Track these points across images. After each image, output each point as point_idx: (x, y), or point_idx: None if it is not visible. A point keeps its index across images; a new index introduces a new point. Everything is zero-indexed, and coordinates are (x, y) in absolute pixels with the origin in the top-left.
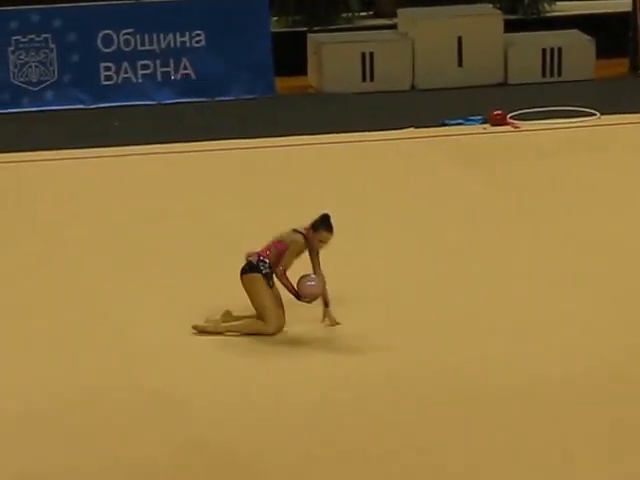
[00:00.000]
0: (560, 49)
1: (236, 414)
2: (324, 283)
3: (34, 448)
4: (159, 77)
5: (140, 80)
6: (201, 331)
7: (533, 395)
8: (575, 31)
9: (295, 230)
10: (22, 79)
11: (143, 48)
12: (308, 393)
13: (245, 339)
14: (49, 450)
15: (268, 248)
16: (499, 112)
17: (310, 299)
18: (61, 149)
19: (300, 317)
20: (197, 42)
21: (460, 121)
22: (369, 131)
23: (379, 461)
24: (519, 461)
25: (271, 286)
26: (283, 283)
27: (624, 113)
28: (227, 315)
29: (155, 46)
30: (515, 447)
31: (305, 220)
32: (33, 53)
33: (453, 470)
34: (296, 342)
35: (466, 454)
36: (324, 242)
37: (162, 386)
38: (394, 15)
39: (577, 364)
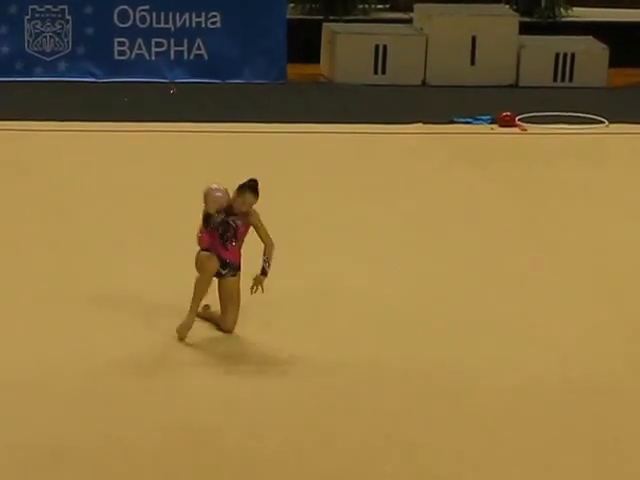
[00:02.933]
0: (573, 55)
1: (227, 399)
2: (270, 246)
3: (24, 420)
4: (172, 56)
5: (153, 57)
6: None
7: (526, 396)
8: (590, 38)
9: None
10: (36, 49)
11: (158, 26)
12: (296, 385)
13: (245, 328)
14: (37, 423)
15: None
16: (508, 113)
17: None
18: (70, 121)
19: (295, 309)
20: (212, 23)
21: (469, 120)
22: (377, 123)
23: (366, 456)
24: (508, 461)
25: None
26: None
27: (634, 123)
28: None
29: (170, 24)
30: (505, 447)
31: (301, 208)
32: (49, 23)
33: (439, 472)
34: (284, 332)
35: (454, 454)
36: (245, 203)
37: (156, 367)
38: (410, 10)
39: (573, 368)
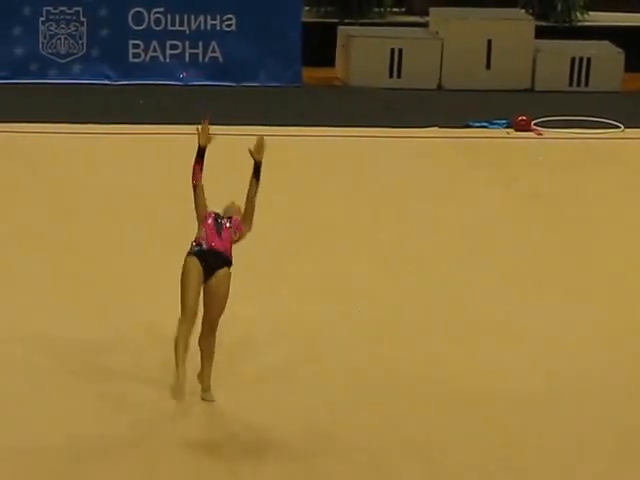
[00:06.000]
0: (589, 59)
1: (242, 386)
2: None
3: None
4: (187, 58)
5: (168, 60)
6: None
7: (531, 399)
8: (606, 42)
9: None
10: (50, 50)
11: (173, 28)
12: (304, 389)
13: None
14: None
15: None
16: (524, 118)
17: None
18: (84, 123)
19: (305, 311)
20: (227, 26)
21: (484, 124)
22: (392, 127)
23: (376, 458)
24: (516, 463)
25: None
26: None
27: None
28: None
29: (185, 27)
30: (512, 449)
31: (316, 211)
32: (63, 25)
33: (451, 470)
34: (291, 334)
35: (464, 455)
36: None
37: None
38: (426, 13)
39: (578, 371)
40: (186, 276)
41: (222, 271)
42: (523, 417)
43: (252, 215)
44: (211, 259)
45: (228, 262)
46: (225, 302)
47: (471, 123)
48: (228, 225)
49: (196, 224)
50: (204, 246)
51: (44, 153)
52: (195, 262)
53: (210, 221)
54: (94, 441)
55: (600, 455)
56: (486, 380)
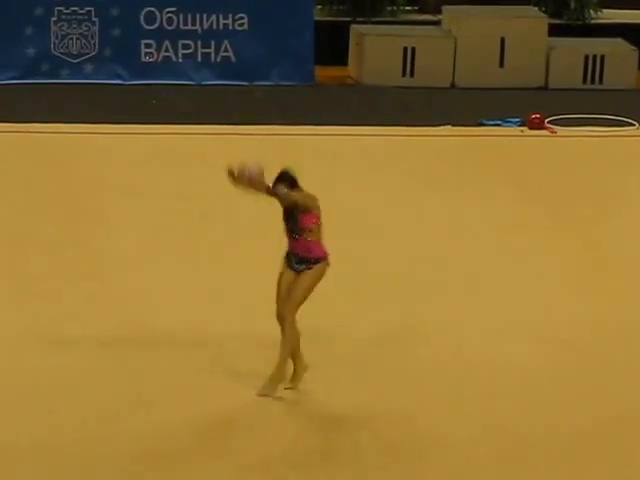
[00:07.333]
0: (603, 57)
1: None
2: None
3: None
4: (199, 58)
5: (180, 60)
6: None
7: (544, 398)
8: (619, 40)
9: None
10: (62, 50)
11: (185, 28)
12: (323, 392)
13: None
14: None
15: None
16: (537, 116)
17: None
18: (96, 123)
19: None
20: (240, 25)
21: (498, 122)
22: (406, 126)
23: (407, 455)
24: (529, 461)
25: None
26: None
27: None
28: None
29: (197, 26)
30: (528, 446)
31: (329, 209)
32: (75, 25)
33: (480, 463)
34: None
35: (494, 449)
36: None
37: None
38: (439, 12)
39: (593, 370)
40: (278, 279)
41: (308, 269)
42: (539, 416)
43: (303, 201)
44: (295, 260)
45: (312, 262)
46: (300, 296)
47: (484, 121)
48: (304, 237)
49: (205, 226)
50: (288, 247)
51: (56, 153)
52: (284, 265)
53: (287, 232)
54: (111, 440)
55: (611, 451)
56: (501, 378)
